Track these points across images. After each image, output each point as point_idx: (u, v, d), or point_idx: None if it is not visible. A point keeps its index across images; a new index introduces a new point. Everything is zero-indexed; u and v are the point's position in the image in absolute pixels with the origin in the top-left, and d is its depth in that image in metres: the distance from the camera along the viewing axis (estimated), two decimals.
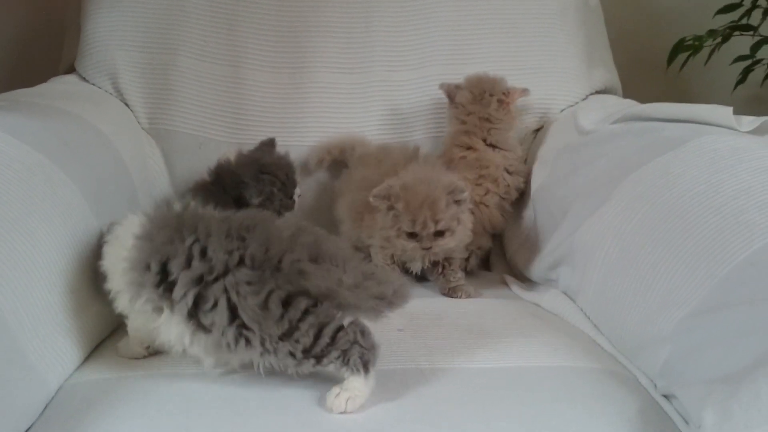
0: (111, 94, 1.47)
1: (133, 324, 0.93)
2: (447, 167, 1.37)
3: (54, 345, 0.87)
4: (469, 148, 1.40)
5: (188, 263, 0.84)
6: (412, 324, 1.07)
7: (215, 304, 0.82)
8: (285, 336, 0.82)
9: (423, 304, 1.19)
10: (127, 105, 1.48)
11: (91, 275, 0.99)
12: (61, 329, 0.89)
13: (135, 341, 0.95)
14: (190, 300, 0.83)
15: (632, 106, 1.31)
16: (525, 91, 1.42)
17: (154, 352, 0.95)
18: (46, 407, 0.84)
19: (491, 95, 1.40)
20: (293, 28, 1.52)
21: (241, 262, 0.83)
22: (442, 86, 1.45)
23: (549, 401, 0.86)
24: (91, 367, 0.92)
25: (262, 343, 0.82)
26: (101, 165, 1.16)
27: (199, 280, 0.83)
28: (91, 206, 1.05)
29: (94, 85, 1.48)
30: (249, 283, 0.82)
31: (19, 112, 1.10)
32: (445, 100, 1.47)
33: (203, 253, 0.84)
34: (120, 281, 0.89)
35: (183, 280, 0.83)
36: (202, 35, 1.50)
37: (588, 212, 1.13)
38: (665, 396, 0.90)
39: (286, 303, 0.83)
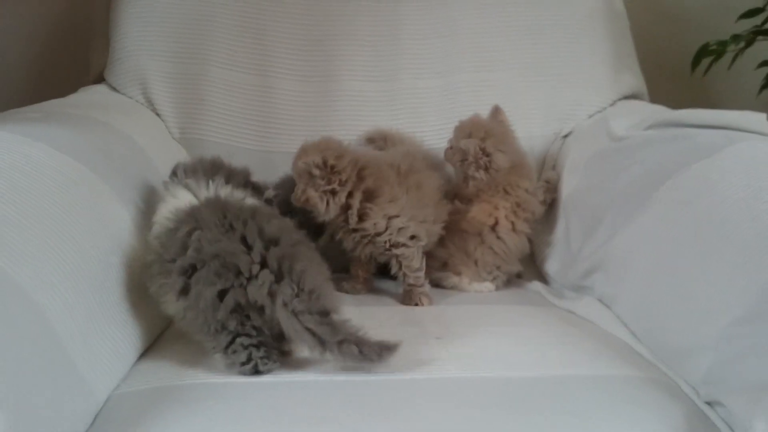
0: (141, 103, 1.49)
1: None
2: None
3: (101, 355, 0.88)
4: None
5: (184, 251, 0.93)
6: (450, 332, 1.07)
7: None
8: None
9: (457, 311, 1.20)
10: (158, 115, 1.49)
11: (132, 285, 1.00)
12: (107, 339, 0.90)
13: None
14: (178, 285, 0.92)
15: (664, 112, 1.31)
16: (498, 109, 1.40)
17: None
18: (95, 418, 0.84)
19: (510, 137, 1.38)
20: (321, 37, 1.53)
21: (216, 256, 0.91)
22: (468, 149, 1.34)
23: (594, 410, 0.85)
24: (137, 376, 0.93)
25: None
26: (138, 175, 1.17)
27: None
28: (130, 216, 1.07)
29: (124, 95, 1.49)
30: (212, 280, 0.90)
31: (57, 124, 1.11)
32: (473, 106, 1.48)
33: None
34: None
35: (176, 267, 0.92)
36: (231, 45, 1.51)
37: (624, 219, 1.13)
38: (708, 403, 0.90)
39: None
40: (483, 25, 1.55)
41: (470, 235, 1.35)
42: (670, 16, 1.96)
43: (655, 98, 1.64)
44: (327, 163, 1.19)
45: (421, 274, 1.26)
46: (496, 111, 1.40)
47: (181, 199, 1.04)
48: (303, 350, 0.93)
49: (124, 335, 0.94)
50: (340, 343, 0.89)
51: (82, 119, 1.20)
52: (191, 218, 0.96)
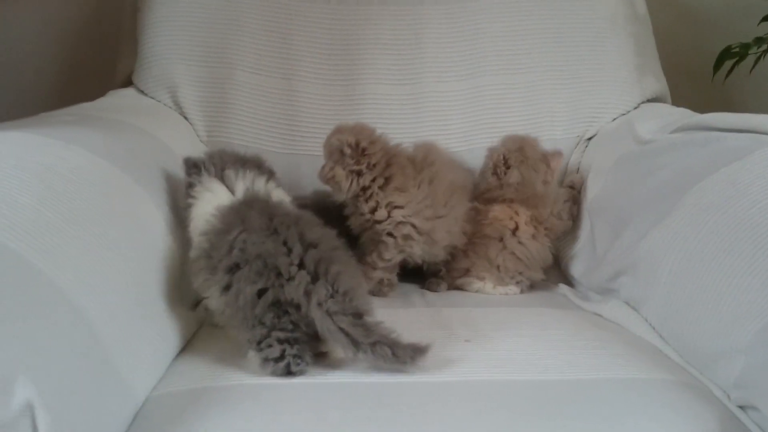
0: (170, 107, 1.51)
1: None
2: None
3: (140, 356, 0.89)
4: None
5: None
6: (478, 335, 1.08)
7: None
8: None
9: (485, 313, 1.20)
10: (185, 118, 1.51)
11: (167, 286, 1.02)
12: (145, 340, 0.92)
13: None
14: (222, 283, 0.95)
15: (689, 115, 1.31)
16: (560, 156, 1.44)
17: None
18: (135, 419, 0.85)
19: (536, 171, 1.40)
20: (345, 42, 1.55)
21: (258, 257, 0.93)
22: (491, 155, 1.43)
23: (627, 415, 0.86)
24: (174, 377, 0.94)
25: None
26: (170, 178, 1.18)
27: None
28: (165, 219, 1.09)
29: (152, 98, 1.51)
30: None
31: (90, 127, 1.12)
32: (496, 109, 1.49)
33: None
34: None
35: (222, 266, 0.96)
36: (257, 49, 1.53)
37: (651, 223, 1.13)
38: (741, 407, 0.90)
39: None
40: (506, 29, 1.56)
41: (492, 240, 1.36)
42: (691, 19, 1.96)
43: (676, 101, 1.65)
44: (359, 145, 1.26)
45: (390, 265, 1.31)
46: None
47: (218, 194, 1.07)
48: (338, 351, 0.95)
49: (161, 336, 0.95)
50: (374, 344, 0.91)
51: (113, 122, 1.22)
52: (239, 220, 0.98)
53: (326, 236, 1.00)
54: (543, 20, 1.56)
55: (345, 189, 1.27)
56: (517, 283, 1.37)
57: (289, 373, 0.92)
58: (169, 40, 1.51)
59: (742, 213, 0.97)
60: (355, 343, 0.91)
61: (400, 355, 0.91)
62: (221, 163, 1.11)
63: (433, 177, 1.31)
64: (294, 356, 0.93)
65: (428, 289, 1.36)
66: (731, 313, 0.93)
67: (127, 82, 1.56)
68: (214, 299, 0.98)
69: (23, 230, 0.79)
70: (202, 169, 1.10)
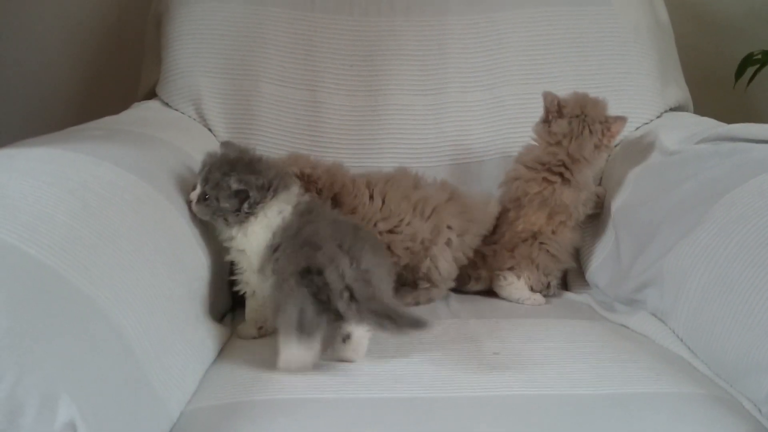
0: (194, 119, 1.52)
1: (255, 303, 1.13)
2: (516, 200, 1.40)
3: (174, 371, 0.90)
4: (544, 180, 1.38)
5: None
6: (506, 348, 1.08)
7: None
8: None
9: (511, 325, 1.20)
10: (210, 130, 1.51)
11: (198, 300, 1.03)
12: (178, 356, 0.92)
13: (251, 323, 1.15)
14: None
15: (714, 125, 1.31)
16: (623, 120, 1.37)
17: (264, 333, 1.14)
18: None
19: (591, 132, 1.35)
20: (368, 53, 1.56)
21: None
22: (546, 96, 1.38)
23: (662, 431, 0.86)
24: (205, 392, 0.94)
25: None
26: None
27: None
28: (194, 233, 1.10)
29: (177, 110, 1.52)
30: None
31: (120, 142, 1.14)
32: (518, 119, 1.49)
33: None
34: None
35: None
36: (281, 61, 1.54)
37: (679, 235, 1.13)
38: None
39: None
40: (529, 39, 1.56)
41: (528, 239, 1.39)
42: (713, 27, 1.95)
43: (698, 109, 1.64)
44: (304, 173, 1.27)
45: None
46: None
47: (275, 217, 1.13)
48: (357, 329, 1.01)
49: (193, 351, 0.96)
50: (371, 301, 0.99)
51: (141, 136, 1.23)
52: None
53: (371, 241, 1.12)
54: (566, 30, 1.56)
55: None
56: (549, 282, 1.39)
57: (301, 325, 0.98)
58: (193, 53, 1.52)
59: None
60: (356, 301, 0.99)
61: (398, 319, 0.99)
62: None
63: (386, 192, 1.31)
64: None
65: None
66: (763, 326, 0.92)
67: (152, 94, 1.57)
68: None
69: (60, 248, 0.80)
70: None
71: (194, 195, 1.12)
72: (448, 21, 1.57)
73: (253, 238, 1.11)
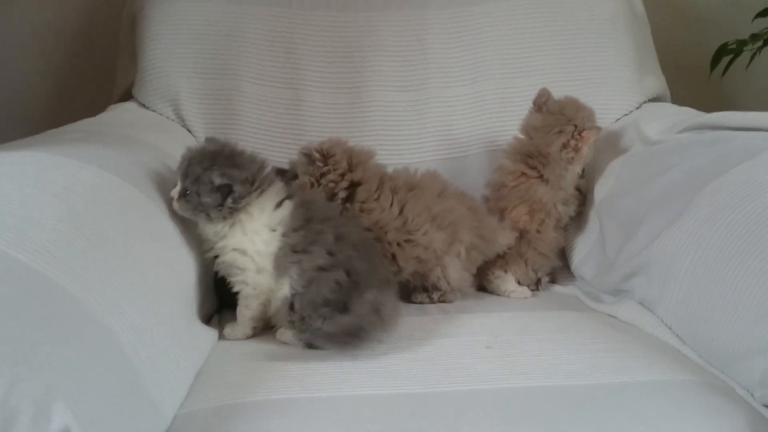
0: (173, 120, 1.50)
1: (257, 302, 1.12)
2: (498, 191, 1.41)
3: (166, 375, 0.88)
4: (522, 174, 1.39)
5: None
6: (499, 341, 1.08)
7: None
8: None
9: (501, 318, 1.21)
10: (189, 131, 1.50)
11: (186, 302, 1.01)
12: (170, 359, 0.90)
13: (245, 323, 1.13)
14: None
15: (696, 115, 1.32)
16: (597, 130, 1.37)
17: (258, 332, 1.14)
18: None
19: (561, 132, 1.36)
20: (348, 49, 1.55)
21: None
22: (540, 90, 1.41)
23: (661, 419, 0.86)
24: (197, 395, 0.92)
25: None
26: None
27: None
28: (179, 234, 1.08)
29: (155, 111, 1.50)
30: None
31: (101, 144, 1.12)
32: (499, 113, 1.49)
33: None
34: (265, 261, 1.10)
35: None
36: (260, 59, 1.53)
37: (665, 223, 1.13)
38: (766, 406, 0.91)
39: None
40: (509, 33, 1.57)
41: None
42: (687, 17, 1.97)
43: (674, 100, 1.66)
44: (323, 149, 1.28)
45: None
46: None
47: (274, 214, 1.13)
48: None
49: (185, 354, 0.94)
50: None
51: (121, 138, 1.21)
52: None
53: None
54: (545, 23, 1.57)
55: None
56: (539, 278, 1.40)
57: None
58: (169, 53, 1.50)
59: (760, 211, 0.98)
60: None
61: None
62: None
63: (407, 202, 1.29)
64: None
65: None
66: (754, 312, 0.93)
67: (127, 96, 1.55)
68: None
69: (48, 252, 0.78)
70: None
71: (175, 192, 1.09)
72: (427, 15, 1.57)
73: (256, 238, 1.10)
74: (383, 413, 0.87)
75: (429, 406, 0.88)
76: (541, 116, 1.39)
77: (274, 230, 1.11)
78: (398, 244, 1.27)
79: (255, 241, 1.10)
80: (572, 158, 1.37)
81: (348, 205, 1.28)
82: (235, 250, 1.11)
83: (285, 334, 1.11)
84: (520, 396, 0.91)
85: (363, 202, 1.28)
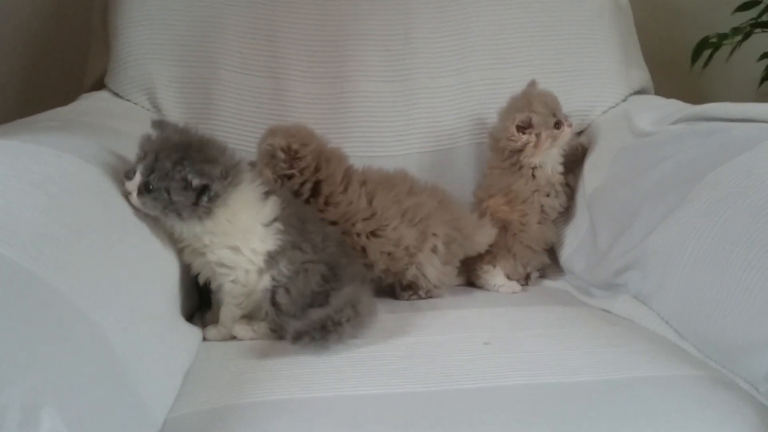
0: (147, 109, 1.44)
1: (248, 300, 1.08)
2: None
3: (156, 375, 0.83)
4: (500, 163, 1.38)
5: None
6: (496, 337, 1.05)
7: None
8: None
9: (496, 314, 1.18)
10: None
11: (171, 301, 0.96)
12: (159, 358, 0.86)
13: (231, 323, 1.07)
14: None
15: (687, 106, 1.31)
16: (565, 128, 1.35)
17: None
18: None
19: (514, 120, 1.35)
20: (333, 38, 1.50)
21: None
22: (530, 81, 1.41)
23: (672, 414, 0.84)
24: (187, 397, 0.87)
25: None
26: None
27: None
28: (160, 229, 1.03)
29: (129, 101, 1.43)
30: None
31: (78, 134, 1.06)
32: (486, 104, 1.47)
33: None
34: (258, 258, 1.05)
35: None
36: (241, 48, 1.48)
37: (661, 216, 1.11)
38: None
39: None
40: (496, 23, 1.54)
41: (502, 230, 1.36)
42: (668, 10, 1.97)
43: (656, 92, 1.65)
44: (291, 148, 1.21)
45: None
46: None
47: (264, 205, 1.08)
48: None
49: (173, 353, 0.90)
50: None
51: (98, 128, 1.16)
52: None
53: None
54: (532, 13, 1.54)
55: None
56: (528, 273, 1.38)
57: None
58: (144, 40, 1.44)
59: (762, 203, 0.96)
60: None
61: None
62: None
63: (375, 194, 1.26)
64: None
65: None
66: (758, 305, 0.91)
67: (100, 85, 1.48)
68: None
69: (32, 246, 0.73)
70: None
71: (132, 186, 0.98)
72: (414, 4, 1.53)
73: (250, 234, 1.05)
74: (385, 412, 0.83)
75: (431, 405, 0.85)
76: (507, 103, 1.39)
77: (266, 226, 1.06)
78: (367, 236, 1.24)
79: (249, 238, 1.04)
80: (515, 150, 1.35)
81: (311, 200, 1.24)
82: (225, 247, 1.04)
83: (242, 329, 1.08)
84: (525, 393, 0.88)
85: (328, 196, 1.24)
